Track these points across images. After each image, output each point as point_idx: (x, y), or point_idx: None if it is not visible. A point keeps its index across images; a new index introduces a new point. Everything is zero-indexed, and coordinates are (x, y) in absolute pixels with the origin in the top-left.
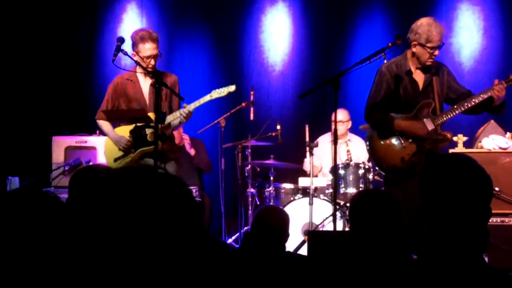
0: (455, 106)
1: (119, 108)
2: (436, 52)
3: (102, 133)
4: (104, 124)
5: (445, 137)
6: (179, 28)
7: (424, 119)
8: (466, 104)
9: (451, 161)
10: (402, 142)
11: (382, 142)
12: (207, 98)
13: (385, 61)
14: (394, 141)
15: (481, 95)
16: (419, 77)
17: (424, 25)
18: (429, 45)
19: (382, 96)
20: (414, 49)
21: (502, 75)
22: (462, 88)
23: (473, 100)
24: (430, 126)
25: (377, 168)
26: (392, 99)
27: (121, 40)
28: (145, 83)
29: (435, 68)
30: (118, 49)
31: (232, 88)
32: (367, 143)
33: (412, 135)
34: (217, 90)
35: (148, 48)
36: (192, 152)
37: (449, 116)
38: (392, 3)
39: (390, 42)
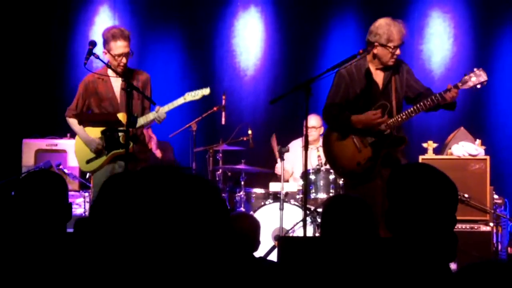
0: (410, 110)
1: (90, 112)
2: (398, 51)
3: (73, 135)
4: (74, 122)
5: (402, 138)
6: (151, 31)
7: None
8: (419, 107)
9: (417, 169)
10: (358, 146)
11: (338, 145)
12: (181, 100)
13: None
14: (350, 145)
15: (436, 99)
16: (379, 77)
17: (383, 25)
18: (390, 44)
19: (341, 97)
20: (375, 51)
21: None
22: (421, 87)
23: (428, 103)
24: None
25: (332, 171)
26: (350, 100)
27: (93, 44)
28: (116, 82)
29: (395, 66)
30: (90, 53)
31: (206, 91)
32: (324, 145)
33: (369, 126)
34: (191, 92)
35: (119, 46)
36: (158, 153)
37: (404, 118)
38: (365, 9)
39: (361, 48)
